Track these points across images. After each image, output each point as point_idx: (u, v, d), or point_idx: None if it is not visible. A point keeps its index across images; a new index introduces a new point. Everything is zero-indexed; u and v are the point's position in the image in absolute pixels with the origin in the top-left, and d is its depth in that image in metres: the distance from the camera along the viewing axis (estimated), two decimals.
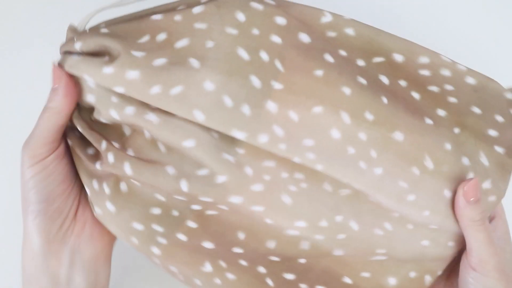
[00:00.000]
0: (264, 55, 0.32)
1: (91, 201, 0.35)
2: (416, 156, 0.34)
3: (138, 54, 0.31)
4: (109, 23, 0.33)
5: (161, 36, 0.32)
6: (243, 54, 0.32)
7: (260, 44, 0.32)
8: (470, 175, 0.36)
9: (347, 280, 0.38)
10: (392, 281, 0.38)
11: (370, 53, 0.35)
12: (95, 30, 0.32)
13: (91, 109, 0.34)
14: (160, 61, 0.31)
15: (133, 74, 0.31)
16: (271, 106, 0.32)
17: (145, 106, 0.32)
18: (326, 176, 0.34)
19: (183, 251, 0.35)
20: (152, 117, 0.32)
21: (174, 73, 0.31)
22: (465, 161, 0.36)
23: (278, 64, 0.32)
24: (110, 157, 0.33)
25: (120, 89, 0.31)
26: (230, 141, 0.33)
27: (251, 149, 0.33)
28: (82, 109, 0.35)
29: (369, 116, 0.33)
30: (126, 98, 0.32)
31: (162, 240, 0.35)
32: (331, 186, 0.34)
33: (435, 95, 0.36)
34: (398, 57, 0.36)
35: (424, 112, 0.35)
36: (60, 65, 0.33)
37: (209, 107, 0.31)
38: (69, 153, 0.35)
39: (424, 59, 0.36)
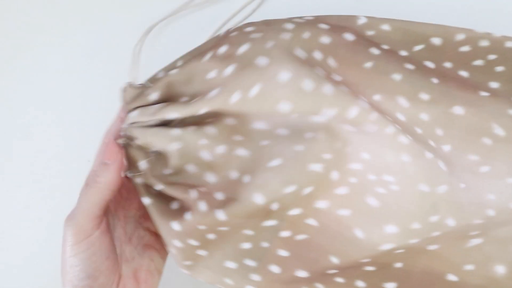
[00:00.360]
0: (317, 54, 0.34)
1: (178, 258, 0.35)
2: (483, 126, 0.35)
3: (211, 74, 0.33)
4: (167, 69, 0.35)
5: (222, 49, 0.34)
6: (300, 53, 0.33)
7: (313, 45, 0.34)
8: None
9: (452, 277, 0.36)
10: (500, 269, 0.36)
11: (409, 43, 0.37)
12: (162, 78, 0.34)
13: (164, 162, 0.35)
14: (229, 69, 0.33)
15: (213, 92, 0.32)
16: (344, 89, 0.33)
17: (233, 143, 0.33)
18: (423, 175, 0.34)
19: (279, 284, 0.35)
20: (241, 151, 0.33)
21: (247, 76, 0.32)
22: None
23: (331, 61, 0.34)
24: (202, 206, 0.33)
25: (203, 110, 0.33)
26: (317, 150, 0.33)
27: (338, 153, 0.33)
28: (152, 165, 0.35)
29: (424, 96, 0.35)
30: (214, 138, 0.33)
31: (256, 277, 0.35)
32: (428, 186, 0.34)
33: (482, 68, 0.37)
34: (436, 41, 0.37)
35: (477, 87, 0.36)
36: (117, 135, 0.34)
37: (292, 95, 0.32)
38: (109, 228, 0.35)
39: (460, 36, 0.37)
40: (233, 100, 0.32)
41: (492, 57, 0.38)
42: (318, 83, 0.32)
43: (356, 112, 0.33)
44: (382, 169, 0.34)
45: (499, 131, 0.35)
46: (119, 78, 0.39)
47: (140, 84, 0.35)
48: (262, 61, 0.32)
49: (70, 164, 0.45)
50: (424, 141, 0.35)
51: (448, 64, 0.37)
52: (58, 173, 0.45)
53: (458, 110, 0.35)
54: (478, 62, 0.38)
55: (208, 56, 0.34)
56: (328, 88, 0.32)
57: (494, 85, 0.37)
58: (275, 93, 0.32)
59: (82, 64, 0.46)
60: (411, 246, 0.35)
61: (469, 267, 0.36)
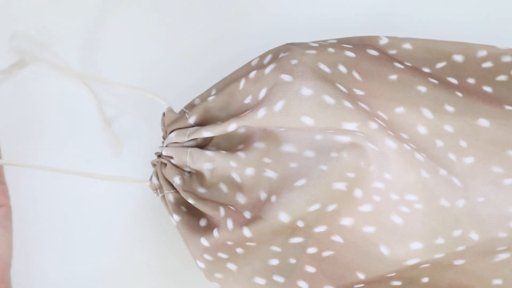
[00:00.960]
0: (342, 68, 0.35)
1: (206, 272, 0.36)
2: (508, 139, 0.35)
3: (247, 100, 0.36)
4: (202, 97, 0.38)
5: (253, 73, 0.36)
6: (325, 68, 0.35)
7: (337, 59, 0.35)
8: None
9: None
10: None
11: (432, 60, 0.38)
12: (199, 104, 0.37)
13: (198, 180, 0.37)
14: (262, 92, 0.35)
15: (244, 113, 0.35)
16: (364, 106, 0.34)
17: (262, 164, 0.35)
18: (441, 191, 0.35)
19: None
20: (270, 173, 0.35)
21: (272, 93, 0.34)
22: None
23: (356, 74, 0.35)
24: (229, 223, 0.35)
25: (232, 127, 0.35)
26: (341, 169, 0.34)
27: (361, 172, 0.34)
28: (186, 182, 0.37)
29: (449, 108, 0.35)
30: (243, 161, 0.35)
31: None
32: (447, 201, 0.35)
33: (506, 83, 0.38)
34: (458, 58, 0.38)
35: (501, 101, 0.37)
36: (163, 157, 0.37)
37: (313, 109, 0.33)
38: None
39: (482, 53, 0.38)
40: (260, 116, 0.34)
41: None
42: (338, 99, 0.34)
43: (375, 127, 0.34)
44: (404, 189, 0.35)
45: None
46: None
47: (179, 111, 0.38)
48: (286, 78, 0.34)
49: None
50: (439, 157, 0.35)
51: (471, 80, 0.38)
52: None
53: (483, 122, 0.36)
54: (502, 78, 0.38)
55: (242, 82, 0.36)
56: (347, 104, 0.34)
57: None
58: (298, 107, 0.33)
59: None
60: (436, 260, 0.36)
61: (498, 281, 0.36)
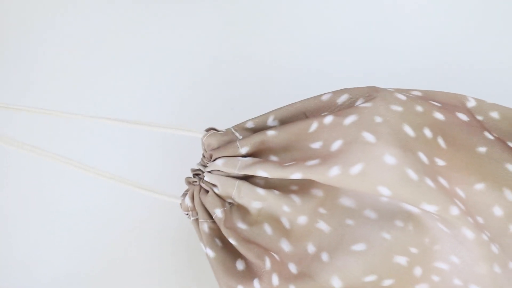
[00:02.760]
0: (427, 132, 0.32)
1: None
2: None
3: (315, 145, 0.32)
4: (257, 122, 0.34)
5: (329, 118, 0.32)
6: (409, 130, 0.31)
7: (425, 121, 0.32)
8: None
9: None
10: None
11: None
12: (256, 135, 0.33)
13: (241, 216, 0.33)
14: (336, 144, 0.31)
15: (312, 162, 0.31)
16: (443, 181, 0.31)
17: (316, 214, 0.32)
18: (509, 285, 0.32)
19: None
20: (323, 225, 0.32)
21: (350, 151, 0.30)
22: None
23: (441, 141, 0.32)
24: (275, 279, 0.32)
25: (297, 176, 0.31)
26: (405, 242, 0.31)
27: (425, 249, 0.32)
28: (227, 213, 0.33)
29: None
30: (297, 208, 0.32)
31: None
32: None
33: None
34: None
35: None
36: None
37: (394, 181, 0.30)
38: None
39: None
40: (332, 174, 0.30)
41: None
42: (420, 175, 0.30)
43: (456, 213, 0.30)
44: (470, 279, 0.32)
45: None
46: None
47: (225, 130, 0.34)
48: (368, 137, 0.30)
49: None
50: (510, 244, 0.32)
51: None
52: None
53: None
54: None
55: (314, 125, 0.32)
56: (429, 182, 0.30)
57: None
58: (377, 176, 0.30)
59: None
60: None
61: None
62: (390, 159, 0.30)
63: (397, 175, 0.30)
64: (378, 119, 0.31)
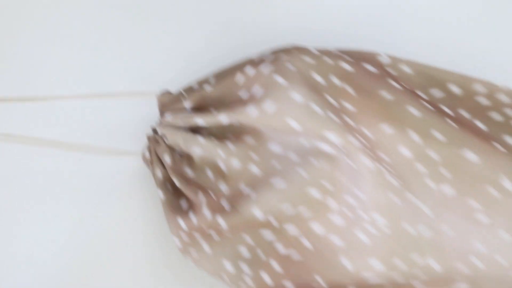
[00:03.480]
0: (336, 80, 0.37)
1: (182, 248, 0.38)
2: (491, 176, 0.36)
3: (242, 94, 0.37)
4: (201, 82, 0.39)
5: (252, 70, 0.37)
6: (318, 78, 0.37)
7: (333, 70, 0.37)
8: None
9: None
10: None
11: (427, 86, 0.39)
12: (197, 91, 0.39)
13: (187, 162, 0.39)
14: (256, 89, 0.37)
15: (237, 107, 0.37)
16: (349, 120, 0.36)
17: (248, 159, 0.37)
18: (407, 216, 0.36)
19: None
20: (253, 168, 0.37)
21: (265, 93, 0.36)
22: None
23: (348, 88, 0.37)
24: (206, 210, 0.37)
25: (225, 120, 0.36)
26: (318, 176, 0.36)
27: (336, 183, 0.36)
28: (176, 161, 0.39)
29: (437, 135, 0.36)
30: (231, 152, 0.37)
31: (249, 282, 0.37)
32: (412, 226, 0.36)
33: (498, 122, 0.39)
34: (454, 88, 0.39)
35: (491, 138, 0.38)
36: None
37: (301, 115, 0.35)
38: None
39: (478, 87, 0.39)
40: (250, 113, 0.36)
41: (510, 112, 0.39)
42: (324, 110, 0.35)
43: (355, 143, 0.35)
44: (372, 209, 0.36)
45: (507, 184, 0.36)
46: None
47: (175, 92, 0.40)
48: (280, 80, 0.36)
49: None
50: (415, 181, 0.36)
51: (464, 113, 0.39)
52: None
53: (469, 154, 0.36)
54: (495, 115, 0.39)
55: (241, 78, 0.38)
56: (333, 116, 0.35)
57: (509, 140, 0.38)
58: (286, 111, 0.35)
59: None
60: (395, 282, 0.37)
61: None
62: (297, 96, 0.35)
63: (304, 109, 0.35)
64: (291, 67, 0.36)
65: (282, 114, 0.35)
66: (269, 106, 0.35)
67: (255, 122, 0.36)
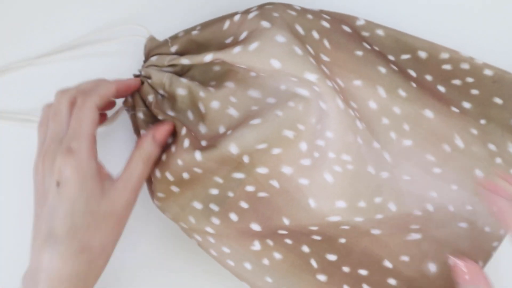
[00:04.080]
0: (315, 34, 0.39)
1: (154, 188, 0.40)
2: (447, 134, 0.40)
3: (228, 40, 0.39)
4: (187, 31, 0.41)
5: (237, 17, 0.40)
6: (299, 29, 0.39)
7: (312, 25, 0.39)
8: (498, 160, 0.40)
9: (388, 264, 0.40)
10: (432, 267, 0.40)
11: (398, 50, 0.42)
12: (183, 36, 0.41)
13: (169, 103, 0.40)
14: (243, 35, 0.39)
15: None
16: (325, 69, 0.38)
17: (227, 102, 0.39)
18: (370, 159, 0.39)
19: (234, 231, 0.39)
20: (232, 111, 0.39)
21: (250, 34, 0.38)
22: (492, 147, 0.41)
23: (326, 42, 0.40)
24: (186, 143, 0.38)
25: (208, 58, 0.38)
26: (294, 119, 0.37)
27: (310, 128, 0.38)
28: (159, 102, 0.40)
29: (402, 93, 0.40)
30: (211, 94, 0.39)
31: (216, 221, 0.39)
32: (374, 169, 0.39)
33: (458, 88, 0.42)
34: (422, 54, 0.42)
35: (450, 102, 0.41)
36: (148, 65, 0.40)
37: (283, 55, 0.37)
38: None
39: (445, 55, 0.42)
40: (235, 52, 0.38)
41: (469, 80, 0.42)
42: (305, 53, 0.37)
43: (331, 85, 0.37)
44: (341, 149, 0.38)
45: (459, 142, 0.40)
46: None
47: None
48: (265, 24, 0.38)
49: None
50: (380, 132, 0.39)
51: (428, 77, 0.42)
52: None
53: (429, 113, 0.40)
54: (456, 82, 0.42)
55: (226, 23, 0.40)
56: (312, 60, 0.37)
57: (466, 105, 0.42)
58: (269, 50, 0.37)
59: None
60: (356, 224, 0.39)
61: (405, 258, 0.40)
62: (281, 38, 0.37)
63: (286, 50, 0.37)
64: (275, 14, 0.39)
65: (265, 52, 0.37)
66: (252, 44, 0.37)
67: (238, 60, 0.38)
